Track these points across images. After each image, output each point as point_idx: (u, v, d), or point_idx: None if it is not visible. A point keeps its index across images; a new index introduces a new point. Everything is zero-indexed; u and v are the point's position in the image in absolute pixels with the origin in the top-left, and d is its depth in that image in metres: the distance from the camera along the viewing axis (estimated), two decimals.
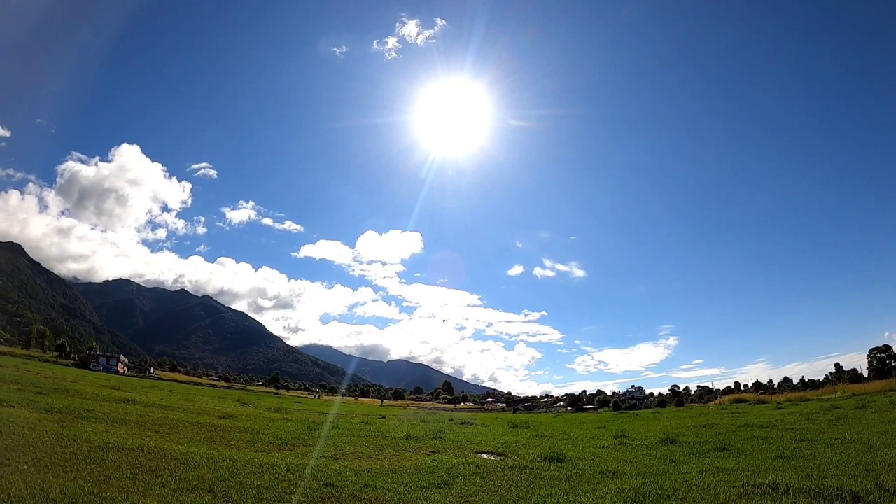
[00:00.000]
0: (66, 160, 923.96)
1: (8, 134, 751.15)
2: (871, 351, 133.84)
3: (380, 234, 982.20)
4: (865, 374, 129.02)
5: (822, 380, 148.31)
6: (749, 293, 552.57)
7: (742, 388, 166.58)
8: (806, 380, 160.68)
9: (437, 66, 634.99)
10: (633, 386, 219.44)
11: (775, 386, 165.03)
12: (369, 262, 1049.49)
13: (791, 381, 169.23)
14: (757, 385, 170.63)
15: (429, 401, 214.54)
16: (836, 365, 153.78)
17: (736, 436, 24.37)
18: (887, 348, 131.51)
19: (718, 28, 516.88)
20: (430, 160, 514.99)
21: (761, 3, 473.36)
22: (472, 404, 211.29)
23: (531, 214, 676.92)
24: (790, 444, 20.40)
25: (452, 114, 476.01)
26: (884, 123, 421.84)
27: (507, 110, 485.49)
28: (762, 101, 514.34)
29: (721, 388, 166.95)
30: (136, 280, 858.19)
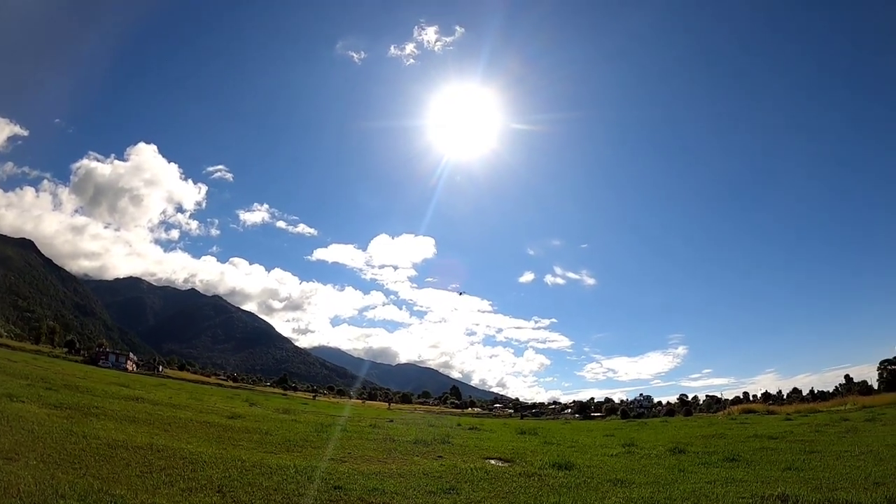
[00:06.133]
0: (82, 159, 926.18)
1: (26, 133, 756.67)
2: (882, 363, 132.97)
3: (392, 237, 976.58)
4: (875, 387, 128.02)
5: (831, 391, 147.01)
6: (759, 303, 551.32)
7: (751, 398, 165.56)
8: (815, 391, 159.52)
9: (451, 72, 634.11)
10: (641, 394, 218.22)
11: (784, 397, 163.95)
12: (381, 266, 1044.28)
13: (800, 392, 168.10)
14: (766, 395, 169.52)
15: (436, 405, 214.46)
16: (846, 376, 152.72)
17: (745, 446, 24.29)
18: None
19: (731, 33, 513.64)
20: (443, 165, 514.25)
21: (778, 5, 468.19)
22: (479, 409, 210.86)
23: (543, 222, 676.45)
24: (799, 455, 20.35)
25: (465, 119, 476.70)
26: None
27: (519, 115, 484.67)
28: (778, 106, 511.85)
29: (730, 398, 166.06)
30: (148, 279, 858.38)
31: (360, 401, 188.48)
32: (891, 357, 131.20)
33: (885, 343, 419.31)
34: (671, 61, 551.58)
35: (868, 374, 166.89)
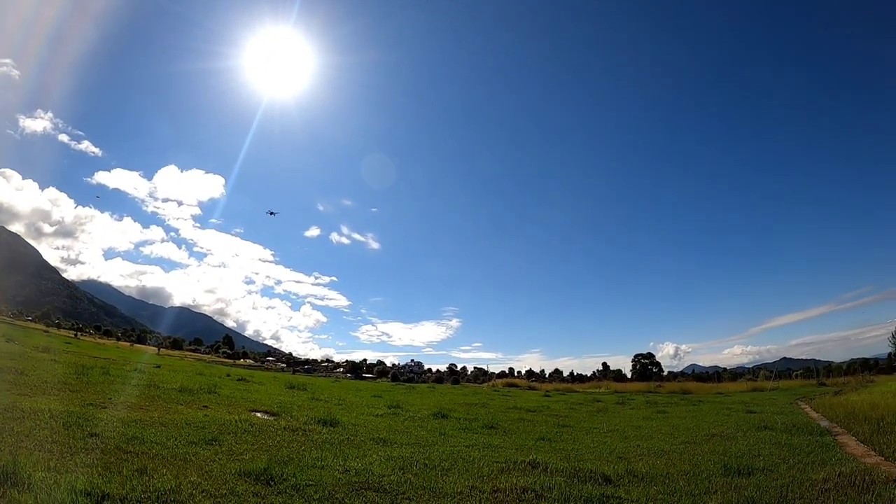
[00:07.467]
0: None
1: None
2: (636, 356, 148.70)
3: (181, 170, 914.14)
4: (629, 375, 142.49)
5: (589, 375, 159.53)
6: (531, 288, 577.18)
7: (516, 374, 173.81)
8: (575, 373, 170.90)
9: (266, 8, 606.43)
10: (413, 360, 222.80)
11: (546, 375, 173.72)
12: (165, 200, 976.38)
13: (561, 372, 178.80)
14: (530, 373, 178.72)
15: (208, 353, 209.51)
16: (604, 364, 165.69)
17: (504, 416, 25.66)
18: (650, 356, 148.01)
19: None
20: (248, 104, 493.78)
21: None
22: (251, 361, 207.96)
23: (337, 179, 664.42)
24: (553, 428, 21.84)
25: (278, 60, 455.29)
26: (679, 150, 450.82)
27: (336, 59, 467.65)
28: (575, 93, 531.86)
29: (496, 372, 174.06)
30: None
31: (127, 343, 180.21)
32: (644, 352, 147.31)
33: (640, 339, 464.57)
34: (494, 12, 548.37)
35: (623, 363, 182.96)
